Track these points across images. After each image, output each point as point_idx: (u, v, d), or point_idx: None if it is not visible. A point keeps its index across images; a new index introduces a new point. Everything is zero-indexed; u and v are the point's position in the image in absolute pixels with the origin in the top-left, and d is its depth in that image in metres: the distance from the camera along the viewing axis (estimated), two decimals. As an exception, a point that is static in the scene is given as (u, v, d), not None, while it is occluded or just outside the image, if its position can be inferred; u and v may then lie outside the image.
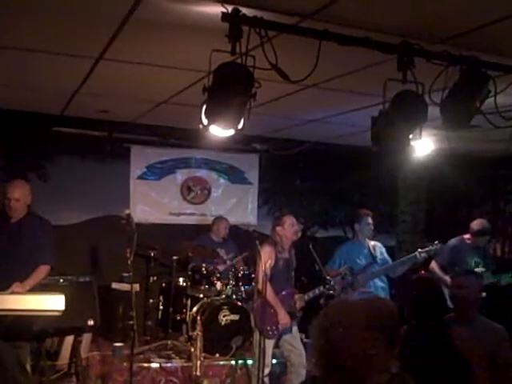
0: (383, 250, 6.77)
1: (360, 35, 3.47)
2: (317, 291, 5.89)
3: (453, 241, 7.16)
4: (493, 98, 3.79)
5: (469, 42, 3.71)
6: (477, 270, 6.81)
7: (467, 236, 7.08)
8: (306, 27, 3.42)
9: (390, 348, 2.24)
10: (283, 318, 5.70)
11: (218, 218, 8.21)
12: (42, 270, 5.33)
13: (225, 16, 3.12)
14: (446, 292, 6.97)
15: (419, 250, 6.49)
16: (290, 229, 5.78)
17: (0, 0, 3.36)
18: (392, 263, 6.63)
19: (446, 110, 3.79)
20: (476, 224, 7.07)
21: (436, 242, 6.55)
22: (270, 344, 5.70)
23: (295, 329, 5.94)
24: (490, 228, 7.14)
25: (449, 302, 6.40)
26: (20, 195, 5.37)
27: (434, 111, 3.75)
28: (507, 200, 9.08)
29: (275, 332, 5.73)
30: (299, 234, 5.91)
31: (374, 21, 3.48)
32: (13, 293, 4.99)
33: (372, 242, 6.73)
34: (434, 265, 7.02)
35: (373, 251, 6.59)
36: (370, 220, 6.67)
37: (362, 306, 2.33)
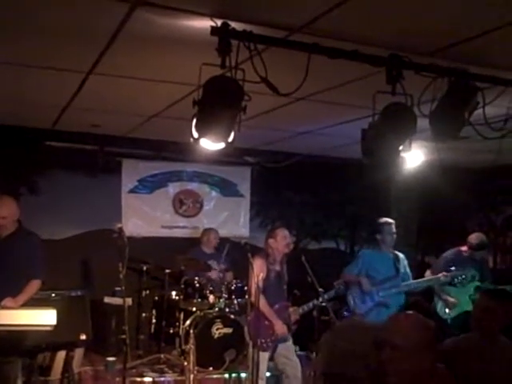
0: (406, 262, 6.63)
1: (349, 48, 3.49)
2: (311, 305, 5.89)
3: (449, 252, 7.11)
4: (481, 110, 3.82)
5: (457, 54, 3.74)
6: (473, 283, 6.80)
7: (464, 248, 7.00)
8: (295, 40, 3.45)
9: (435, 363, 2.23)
10: (280, 328, 5.70)
11: (207, 230, 8.22)
12: (34, 285, 5.31)
13: (214, 30, 3.14)
14: (440, 304, 6.97)
15: (444, 273, 6.48)
16: (282, 241, 5.78)
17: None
18: (413, 282, 6.52)
19: (435, 121, 3.81)
20: (474, 238, 6.97)
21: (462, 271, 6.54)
22: (264, 357, 5.68)
23: (290, 341, 5.92)
24: (488, 242, 7.08)
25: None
26: (6, 213, 5.34)
27: (423, 123, 3.77)
28: (498, 211, 9.10)
29: (270, 344, 5.72)
30: (291, 247, 5.90)
31: (362, 34, 3.50)
32: (4, 308, 4.97)
33: (396, 253, 6.59)
34: (429, 275, 6.98)
35: (397, 264, 6.48)
36: (393, 229, 6.52)
37: (413, 325, 2.30)
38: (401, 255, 6.65)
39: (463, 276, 6.55)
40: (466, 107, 3.78)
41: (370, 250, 6.98)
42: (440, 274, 6.49)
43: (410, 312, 2.62)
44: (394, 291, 6.36)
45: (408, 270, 6.62)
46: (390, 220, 6.62)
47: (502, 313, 3.76)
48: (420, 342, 2.32)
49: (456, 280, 6.55)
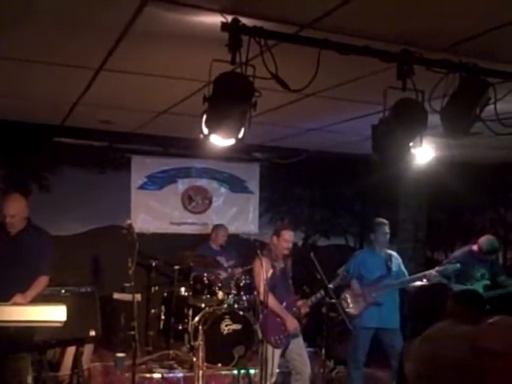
0: (400, 261, 6.66)
1: (359, 44, 3.47)
2: (318, 295, 5.89)
3: (460, 252, 7.07)
4: (493, 105, 3.79)
5: (469, 50, 3.71)
6: (482, 281, 6.77)
7: (475, 248, 6.90)
8: (305, 36, 3.43)
9: None
10: (291, 323, 5.69)
11: (217, 226, 8.23)
12: (42, 282, 5.32)
13: (224, 26, 3.13)
14: None
15: (436, 268, 6.46)
16: (283, 243, 5.76)
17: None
18: (406, 278, 6.49)
19: (446, 117, 3.79)
20: (485, 244, 6.82)
21: (453, 261, 6.53)
22: (277, 353, 5.70)
23: (300, 337, 5.92)
24: (500, 245, 7.01)
25: None
26: (15, 211, 5.35)
27: (434, 119, 3.75)
28: (509, 207, 9.05)
29: (284, 341, 5.72)
30: (289, 251, 5.86)
31: (373, 29, 3.48)
32: (14, 304, 4.99)
33: (389, 252, 6.61)
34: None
35: (389, 263, 6.48)
36: (386, 229, 6.53)
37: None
38: (394, 254, 6.68)
39: (455, 268, 6.57)
40: (477, 103, 3.75)
41: (363, 251, 7.05)
42: (432, 270, 6.47)
43: (503, 316, 2.53)
44: (387, 290, 6.36)
45: (402, 267, 6.63)
46: (384, 220, 6.63)
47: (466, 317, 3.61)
48: None
49: (447, 271, 6.57)
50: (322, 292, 5.83)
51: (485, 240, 6.90)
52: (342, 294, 6.01)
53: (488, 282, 6.79)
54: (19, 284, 5.16)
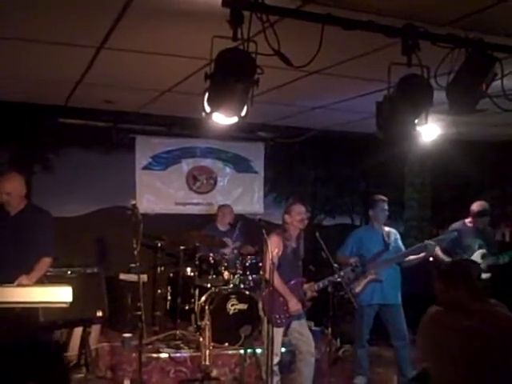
0: (398, 237, 6.65)
1: (363, 19, 3.42)
2: (326, 282, 5.86)
3: (455, 225, 7.13)
4: (499, 81, 3.74)
5: (474, 24, 3.66)
6: (480, 251, 6.85)
7: (468, 220, 7.03)
8: (308, 11, 3.38)
9: None
10: (294, 305, 5.67)
11: (222, 206, 8.20)
12: (45, 263, 5.30)
13: (225, 1, 3.07)
14: None
15: (429, 240, 6.46)
16: (296, 217, 5.73)
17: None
18: (403, 251, 6.52)
19: (452, 93, 3.74)
20: (476, 205, 7.00)
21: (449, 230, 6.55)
22: (279, 333, 5.68)
23: (304, 319, 5.92)
24: (490, 209, 7.07)
25: None
26: (11, 189, 5.30)
27: (439, 95, 3.70)
28: (513, 185, 9.02)
29: (284, 320, 5.71)
30: (305, 223, 5.85)
31: (377, 4, 3.43)
32: (19, 285, 4.99)
33: (387, 229, 6.59)
34: (437, 250, 6.96)
35: (386, 238, 6.47)
36: (385, 206, 6.52)
37: None
38: (392, 230, 6.66)
39: (452, 236, 6.68)
40: (483, 78, 3.70)
41: (359, 230, 7.03)
42: (430, 240, 6.47)
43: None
44: (386, 265, 6.37)
45: (400, 243, 6.61)
46: (384, 197, 6.60)
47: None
48: None
49: (445, 240, 6.69)
50: (331, 278, 5.82)
51: (476, 203, 7.04)
52: (342, 271, 5.99)
53: (485, 251, 6.86)
54: (20, 264, 5.14)
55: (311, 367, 5.79)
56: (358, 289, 6.31)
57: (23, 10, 3.68)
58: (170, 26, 3.95)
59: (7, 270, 5.05)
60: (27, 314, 4.91)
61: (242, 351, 6.41)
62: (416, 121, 3.81)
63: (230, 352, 6.68)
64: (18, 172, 5.57)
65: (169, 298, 7.64)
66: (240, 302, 6.98)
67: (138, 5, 3.50)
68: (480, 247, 6.89)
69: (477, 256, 6.81)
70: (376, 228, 6.56)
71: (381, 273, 6.34)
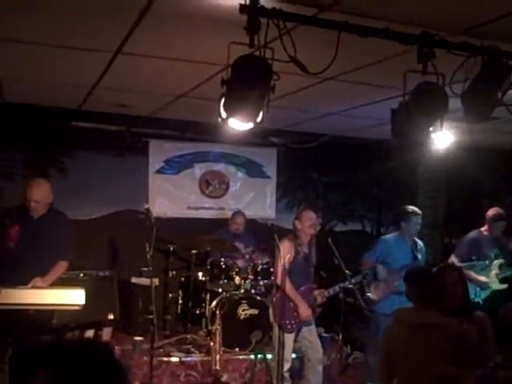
0: (423, 250, 6.62)
1: (379, 26, 3.42)
2: (337, 288, 5.86)
3: (471, 234, 7.09)
4: (515, 89, 3.73)
5: (490, 32, 3.65)
6: (497, 261, 6.80)
7: (484, 228, 7.00)
8: (324, 19, 3.38)
9: None
10: (304, 311, 5.68)
11: (235, 213, 8.19)
12: (61, 266, 5.36)
13: (243, 8, 3.08)
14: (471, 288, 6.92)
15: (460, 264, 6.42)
16: (306, 222, 5.74)
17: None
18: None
19: (468, 101, 3.73)
20: (492, 210, 7.00)
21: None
22: (290, 338, 5.68)
23: (313, 325, 5.91)
24: (505, 215, 7.04)
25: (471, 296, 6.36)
26: (40, 197, 5.36)
27: (454, 103, 3.70)
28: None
29: (294, 326, 5.71)
30: (317, 229, 5.86)
31: (393, 12, 3.43)
32: (34, 287, 5.02)
33: (416, 240, 6.56)
34: (453, 259, 6.93)
35: (415, 252, 6.44)
36: (419, 220, 6.49)
37: None
38: (420, 243, 6.62)
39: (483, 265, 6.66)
40: (499, 87, 3.69)
41: (389, 237, 6.92)
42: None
43: None
44: None
45: (424, 258, 6.57)
46: (418, 210, 6.56)
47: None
48: None
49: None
50: (342, 284, 5.81)
51: (491, 209, 7.04)
52: (353, 278, 5.94)
53: (503, 261, 6.81)
54: (38, 268, 5.20)
55: (319, 376, 5.79)
56: (376, 296, 6.27)
57: (39, 13, 3.71)
58: (187, 32, 3.97)
59: (26, 272, 5.09)
60: (41, 316, 4.94)
61: (252, 356, 6.41)
62: (431, 128, 3.81)
63: (240, 357, 6.68)
64: (43, 178, 5.64)
65: (180, 302, 7.65)
66: (251, 307, 6.99)
67: (155, 12, 3.52)
68: (496, 256, 6.84)
69: (495, 266, 6.77)
70: (406, 240, 6.52)
71: (402, 285, 6.31)
